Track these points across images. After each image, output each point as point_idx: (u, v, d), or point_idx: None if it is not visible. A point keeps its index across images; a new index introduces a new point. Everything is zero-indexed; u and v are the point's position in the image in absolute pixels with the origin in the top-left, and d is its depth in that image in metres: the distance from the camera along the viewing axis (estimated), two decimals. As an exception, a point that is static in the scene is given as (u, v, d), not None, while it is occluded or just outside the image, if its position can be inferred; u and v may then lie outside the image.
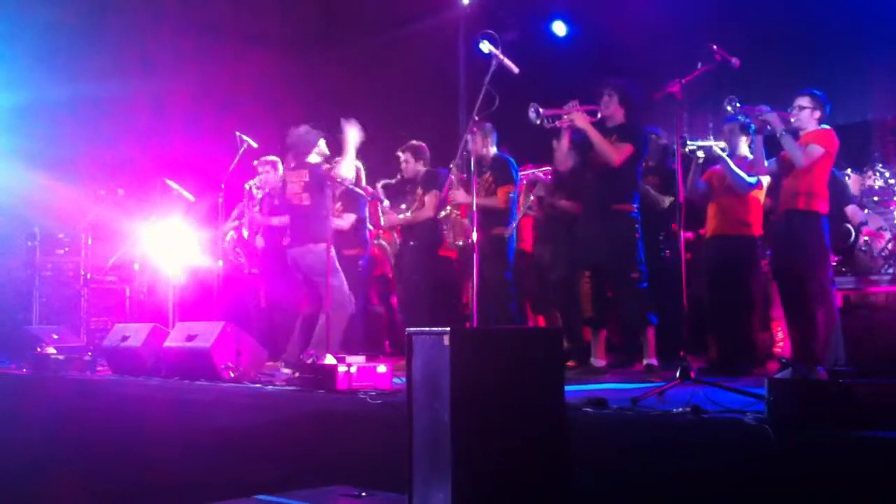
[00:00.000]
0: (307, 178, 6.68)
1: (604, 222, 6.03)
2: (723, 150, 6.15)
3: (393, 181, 7.72)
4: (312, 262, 6.59)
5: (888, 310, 6.39)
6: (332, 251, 6.33)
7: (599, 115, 6.13)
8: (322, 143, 6.79)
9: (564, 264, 6.73)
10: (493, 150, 7.03)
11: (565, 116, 6.09)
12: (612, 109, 6.11)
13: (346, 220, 7.39)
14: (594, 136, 5.97)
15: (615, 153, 5.94)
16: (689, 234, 6.66)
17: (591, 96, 6.24)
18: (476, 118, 5.43)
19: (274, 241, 7.80)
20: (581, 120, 6.03)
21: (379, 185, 7.76)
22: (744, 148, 6.30)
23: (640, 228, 6.01)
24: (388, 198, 7.74)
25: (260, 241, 8.09)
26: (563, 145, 6.22)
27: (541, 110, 6.05)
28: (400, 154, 7.62)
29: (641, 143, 6.13)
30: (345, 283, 6.68)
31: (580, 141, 6.16)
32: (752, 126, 6.04)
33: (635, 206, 6.04)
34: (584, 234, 6.20)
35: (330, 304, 6.13)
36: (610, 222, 6.00)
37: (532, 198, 7.01)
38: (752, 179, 6.14)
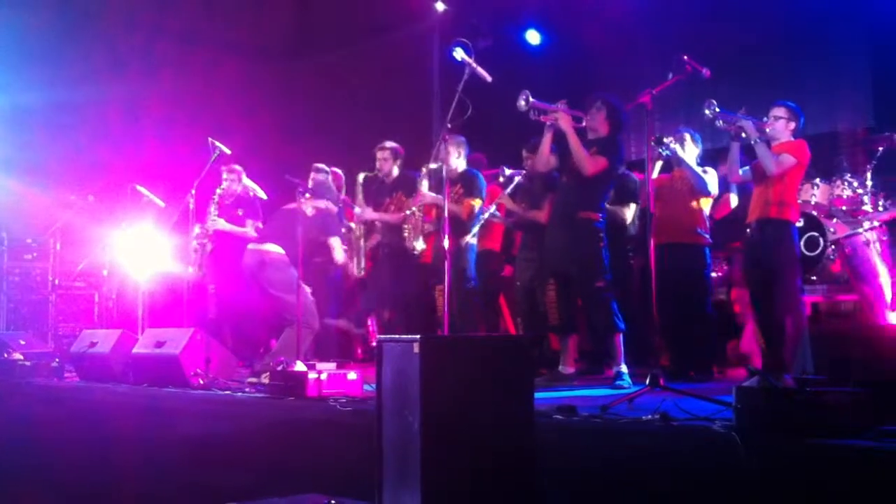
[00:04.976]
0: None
1: (569, 230, 5.98)
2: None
3: (372, 174, 7.57)
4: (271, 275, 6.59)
5: (855, 318, 6.47)
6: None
7: (584, 124, 6.06)
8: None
9: (527, 271, 6.74)
10: (463, 164, 7.02)
11: (551, 114, 5.99)
12: (598, 122, 6.04)
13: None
14: (573, 140, 5.90)
15: (589, 163, 5.88)
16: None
17: (581, 105, 6.14)
18: (449, 126, 5.44)
19: (227, 247, 7.74)
20: (565, 122, 5.93)
21: (359, 178, 7.63)
22: (690, 158, 6.39)
23: (605, 237, 5.97)
24: (365, 192, 7.57)
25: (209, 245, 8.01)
26: (545, 146, 6.18)
27: (531, 99, 5.93)
28: (378, 152, 7.47)
29: (618, 160, 6.10)
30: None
31: (563, 146, 6.11)
32: (697, 138, 6.30)
33: (601, 215, 6.01)
34: (550, 241, 6.19)
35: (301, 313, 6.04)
36: (575, 231, 5.96)
37: (495, 205, 6.90)
38: (712, 185, 6.33)
